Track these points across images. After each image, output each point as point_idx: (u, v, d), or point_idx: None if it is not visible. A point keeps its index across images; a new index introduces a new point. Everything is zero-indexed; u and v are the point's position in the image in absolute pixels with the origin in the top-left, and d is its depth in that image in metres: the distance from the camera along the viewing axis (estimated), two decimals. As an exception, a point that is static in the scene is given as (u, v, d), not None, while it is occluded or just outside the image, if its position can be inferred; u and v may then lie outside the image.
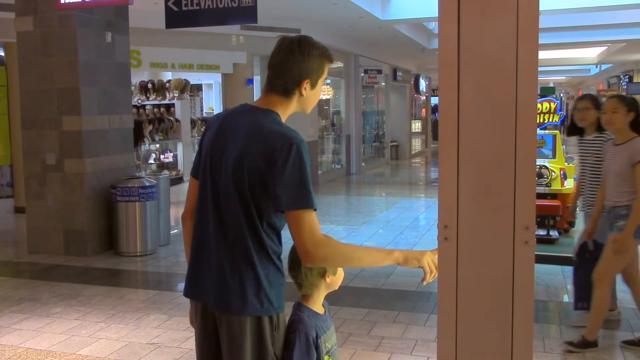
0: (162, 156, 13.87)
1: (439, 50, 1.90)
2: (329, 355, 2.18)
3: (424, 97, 25.41)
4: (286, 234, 2.04)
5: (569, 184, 7.43)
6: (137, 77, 12.83)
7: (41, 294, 5.74)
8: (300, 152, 1.96)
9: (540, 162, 7.49)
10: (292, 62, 2.06)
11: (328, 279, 2.19)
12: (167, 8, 6.73)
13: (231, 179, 2.03)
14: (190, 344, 4.41)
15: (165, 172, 12.60)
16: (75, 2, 6.42)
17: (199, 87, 16.43)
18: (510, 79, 1.81)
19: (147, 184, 7.29)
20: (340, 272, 2.24)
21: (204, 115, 16.53)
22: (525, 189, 1.82)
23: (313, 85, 2.12)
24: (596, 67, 24.78)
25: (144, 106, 13.41)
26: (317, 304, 2.22)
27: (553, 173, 7.48)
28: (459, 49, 1.84)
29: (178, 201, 9.78)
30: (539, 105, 8.56)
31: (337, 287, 2.26)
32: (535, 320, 4.31)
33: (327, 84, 16.11)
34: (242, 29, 11.74)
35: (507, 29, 1.80)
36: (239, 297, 2.02)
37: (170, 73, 13.62)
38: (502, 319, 1.87)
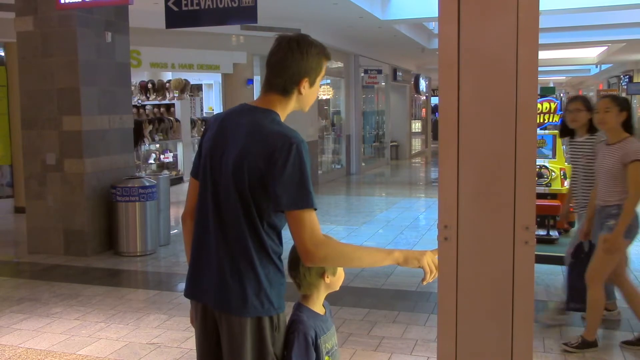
0: (162, 156, 13.88)
1: (439, 50, 1.90)
2: (329, 356, 2.17)
3: (424, 97, 25.41)
4: (287, 234, 2.04)
5: (569, 184, 7.43)
6: (137, 77, 12.83)
7: (41, 294, 5.74)
8: (300, 152, 1.96)
9: (540, 162, 7.49)
10: (291, 60, 2.06)
11: (327, 279, 2.18)
12: (167, 8, 6.73)
13: (231, 179, 2.03)
14: (190, 344, 4.41)
15: (165, 172, 12.60)
16: (75, 2, 6.42)
17: (199, 87, 16.43)
18: (510, 79, 1.81)
19: (147, 184, 7.29)
20: (340, 273, 2.23)
21: (204, 115, 16.53)
22: (525, 189, 1.82)
23: (312, 84, 2.12)
24: (596, 67, 24.77)
25: (144, 106, 13.42)
26: (318, 305, 2.22)
27: (553, 173, 7.48)
28: (459, 49, 1.84)
29: (178, 201, 9.78)
30: (539, 105, 8.56)
31: (337, 288, 2.25)
32: (535, 320, 4.32)
33: (327, 84, 16.12)
34: (242, 29, 11.74)
35: (507, 29, 1.80)
36: (239, 298, 2.02)
37: (170, 73, 13.62)
38: (502, 319, 1.87)
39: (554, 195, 7.25)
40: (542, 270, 5.95)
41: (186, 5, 6.66)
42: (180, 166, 14.07)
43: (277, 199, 1.96)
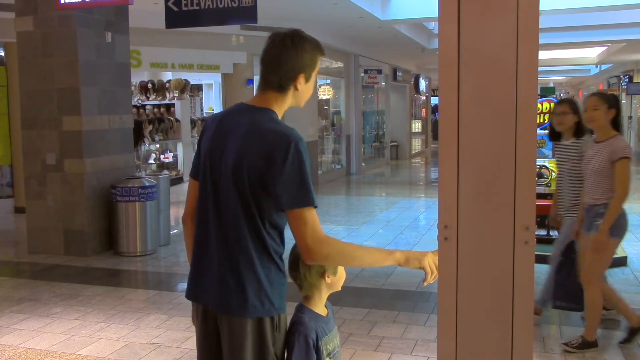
0: (162, 156, 13.88)
1: (439, 50, 1.90)
2: (330, 358, 2.16)
3: (424, 97, 25.41)
4: (288, 234, 2.04)
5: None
6: (137, 77, 12.84)
7: (41, 294, 5.74)
8: (299, 150, 1.96)
9: (540, 162, 7.48)
10: (286, 57, 2.06)
11: (328, 280, 2.17)
12: (167, 8, 6.74)
13: (231, 179, 2.03)
14: (190, 344, 4.41)
15: (165, 172, 12.60)
16: (75, 2, 6.42)
17: (199, 87, 16.43)
18: (510, 79, 1.81)
19: (147, 184, 7.29)
20: (341, 273, 2.22)
21: (204, 115, 16.53)
22: (525, 189, 1.82)
23: (307, 79, 2.12)
24: (596, 67, 24.76)
25: (144, 106, 13.42)
26: (319, 306, 2.21)
27: (553, 173, 7.47)
28: (459, 49, 1.84)
29: (178, 201, 9.78)
30: (539, 105, 8.55)
31: (339, 288, 2.24)
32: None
33: (327, 84, 16.12)
34: (242, 29, 11.74)
35: (507, 29, 1.80)
36: (240, 298, 2.02)
37: (170, 73, 13.62)
38: (502, 319, 1.87)
39: (554, 196, 7.24)
40: (542, 270, 5.93)
41: (186, 5, 6.66)
42: (180, 166, 14.07)
43: (277, 198, 1.96)
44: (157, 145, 13.54)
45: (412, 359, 4.18)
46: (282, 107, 2.13)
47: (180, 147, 14.05)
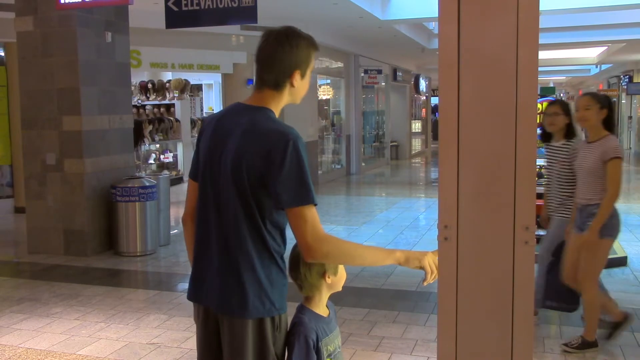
0: (162, 156, 13.88)
1: (439, 50, 1.90)
2: (330, 358, 2.16)
3: (424, 97, 25.41)
4: (289, 234, 2.03)
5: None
6: (137, 77, 12.84)
7: (41, 294, 5.74)
8: (297, 148, 1.96)
9: (540, 162, 7.47)
10: (282, 54, 2.06)
11: (328, 280, 2.17)
12: (167, 8, 6.74)
13: (231, 179, 2.03)
14: (190, 344, 4.41)
15: (165, 172, 12.61)
16: (75, 2, 6.41)
17: (199, 87, 16.43)
18: (510, 79, 1.81)
19: (147, 184, 7.29)
20: (342, 273, 2.22)
21: (204, 115, 16.54)
22: (525, 189, 1.82)
23: (303, 75, 2.12)
24: (596, 67, 24.76)
25: (144, 106, 13.42)
26: (320, 306, 2.20)
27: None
28: (459, 49, 1.84)
29: (178, 201, 9.78)
30: (539, 105, 8.54)
31: (339, 289, 2.23)
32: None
33: (327, 84, 16.12)
34: (242, 29, 11.74)
35: (507, 29, 1.80)
36: (241, 299, 2.01)
37: (170, 73, 13.62)
38: (502, 319, 1.87)
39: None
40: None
41: (186, 5, 6.66)
42: (180, 166, 14.07)
43: (277, 197, 1.96)
44: (157, 145, 13.54)
45: (412, 359, 4.18)
46: (279, 105, 2.13)
47: (180, 147, 14.05)
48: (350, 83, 16.49)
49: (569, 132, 4.57)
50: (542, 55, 18.77)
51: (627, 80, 23.16)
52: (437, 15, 1.90)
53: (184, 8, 6.67)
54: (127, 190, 7.13)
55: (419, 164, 21.04)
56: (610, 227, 4.07)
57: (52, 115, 7.14)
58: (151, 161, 13.54)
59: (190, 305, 2.25)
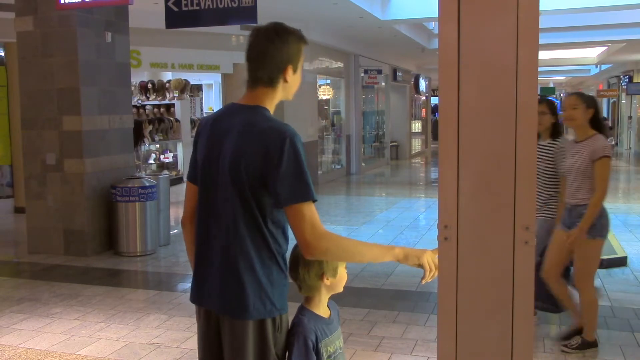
0: (162, 156, 13.88)
1: (439, 50, 1.90)
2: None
3: (424, 97, 25.41)
4: (290, 233, 2.03)
5: None
6: (137, 77, 12.84)
7: (41, 294, 5.74)
8: (295, 145, 1.95)
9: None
10: (273, 50, 2.06)
11: (327, 281, 2.15)
12: (167, 8, 6.74)
13: (229, 179, 2.03)
14: (190, 344, 4.41)
15: (165, 172, 12.60)
16: (75, 2, 6.41)
17: (199, 87, 16.44)
18: (510, 79, 1.80)
19: (147, 184, 7.29)
20: (342, 275, 2.20)
21: (204, 115, 16.53)
22: (525, 189, 1.82)
23: (295, 70, 2.13)
24: (596, 67, 24.77)
25: (144, 106, 13.42)
26: (321, 307, 2.19)
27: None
28: (459, 49, 1.84)
29: (178, 201, 9.77)
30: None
31: (340, 290, 2.22)
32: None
33: (327, 84, 16.12)
34: (242, 29, 11.73)
35: (507, 29, 1.80)
36: (241, 300, 2.01)
37: (170, 73, 13.62)
38: (502, 319, 1.87)
39: None
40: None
41: (186, 5, 6.66)
42: (180, 166, 14.07)
43: (277, 196, 1.96)
44: (157, 145, 13.54)
45: (412, 359, 4.18)
46: (273, 102, 2.14)
47: (180, 147, 14.05)
48: (350, 83, 16.49)
49: (555, 132, 4.58)
50: (542, 55, 18.77)
51: (627, 80, 23.17)
52: (437, 15, 1.90)
53: (184, 8, 6.67)
54: (127, 190, 7.13)
55: (419, 164, 21.04)
56: (600, 228, 4.06)
57: (52, 115, 7.14)
58: (151, 161, 13.54)
59: (190, 305, 2.25)
